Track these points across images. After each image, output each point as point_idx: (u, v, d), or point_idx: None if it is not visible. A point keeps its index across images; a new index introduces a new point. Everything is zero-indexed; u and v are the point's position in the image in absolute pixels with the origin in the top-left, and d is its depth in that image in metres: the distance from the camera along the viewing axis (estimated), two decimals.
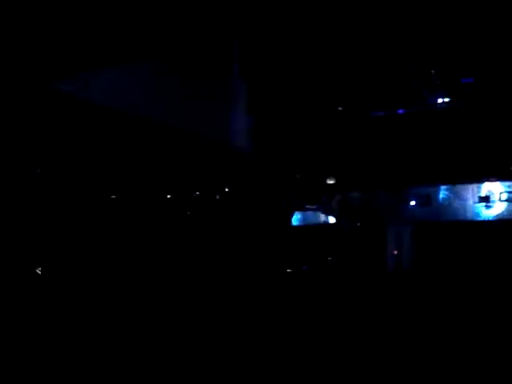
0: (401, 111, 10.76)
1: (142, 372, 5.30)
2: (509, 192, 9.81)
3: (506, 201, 9.78)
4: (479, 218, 10.02)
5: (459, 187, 10.33)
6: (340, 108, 11.23)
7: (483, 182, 10.10)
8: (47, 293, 6.22)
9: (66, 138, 8.16)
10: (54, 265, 7.12)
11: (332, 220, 10.36)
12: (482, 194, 10.01)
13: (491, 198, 9.92)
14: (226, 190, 10.90)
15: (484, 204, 9.98)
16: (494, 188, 10.00)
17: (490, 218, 9.94)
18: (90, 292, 6.89)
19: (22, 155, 7.59)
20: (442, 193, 10.29)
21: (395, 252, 10.04)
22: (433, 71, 10.38)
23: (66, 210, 7.94)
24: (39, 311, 5.95)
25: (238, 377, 5.50)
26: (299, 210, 10.80)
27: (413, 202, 10.06)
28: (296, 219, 10.85)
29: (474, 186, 10.28)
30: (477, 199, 10.02)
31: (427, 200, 10.24)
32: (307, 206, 10.68)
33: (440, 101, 10.42)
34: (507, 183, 9.83)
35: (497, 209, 9.86)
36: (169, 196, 10.25)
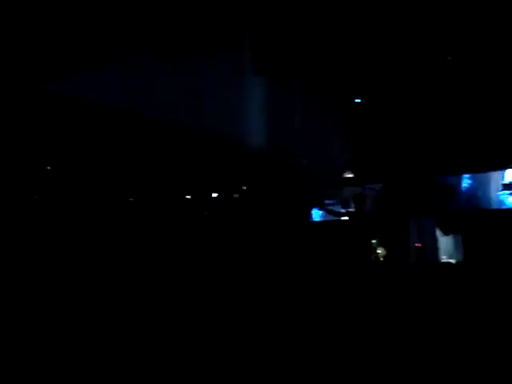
0: (419, 102, 10.51)
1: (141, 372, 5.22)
2: None
3: None
4: (503, 206, 9.74)
5: (482, 176, 10.06)
6: (357, 100, 11.03)
7: (506, 169, 9.83)
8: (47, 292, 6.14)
9: (72, 138, 8.11)
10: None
11: (351, 214, 10.16)
12: (506, 182, 9.74)
13: None
14: (244, 188, 10.80)
15: (508, 192, 9.70)
16: None
17: None
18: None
19: (18, 154, 7.57)
20: (465, 182, 10.03)
21: (418, 244, 9.81)
22: (449, 57, 10.14)
23: (72, 209, 7.90)
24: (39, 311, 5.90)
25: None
26: (318, 205, 10.64)
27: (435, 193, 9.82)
28: (316, 215, 10.70)
29: (498, 173, 10.01)
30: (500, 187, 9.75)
31: (450, 190, 9.99)
32: (326, 201, 10.51)
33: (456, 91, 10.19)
34: None
35: None
36: (187, 196, 10.19)
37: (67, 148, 8.09)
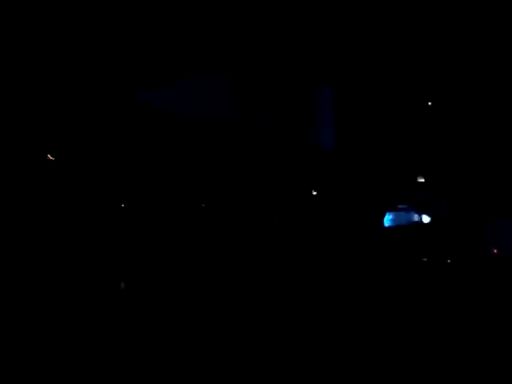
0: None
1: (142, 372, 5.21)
2: None
3: None
4: None
5: None
6: (430, 103, 10.79)
7: None
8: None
9: (147, 146, 8.26)
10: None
11: (426, 219, 9.92)
12: None
13: None
14: (314, 192, 10.74)
15: None
16: None
17: None
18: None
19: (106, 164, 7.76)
20: None
21: (495, 251, 9.49)
22: None
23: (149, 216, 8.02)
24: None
25: None
26: (390, 210, 10.45)
27: None
28: (388, 220, 10.51)
29: None
30: None
31: None
32: (399, 206, 10.31)
33: None
34: None
35: None
36: (255, 199, 10.19)
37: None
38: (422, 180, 10.28)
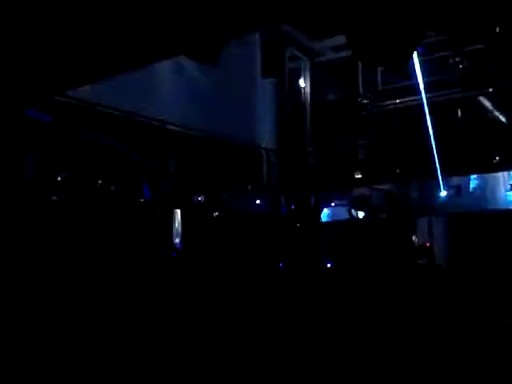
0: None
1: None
2: None
3: None
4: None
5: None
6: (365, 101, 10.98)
7: None
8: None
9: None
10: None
11: (361, 214, 10.25)
12: None
13: None
14: (249, 187, 10.78)
15: None
16: None
17: None
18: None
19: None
20: (473, 182, 10.12)
21: (427, 244, 9.91)
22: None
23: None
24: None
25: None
26: (327, 205, 10.69)
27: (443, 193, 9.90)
28: (325, 215, 10.74)
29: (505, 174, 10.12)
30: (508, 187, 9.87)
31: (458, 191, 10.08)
32: (335, 202, 10.58)
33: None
34: None
35: None
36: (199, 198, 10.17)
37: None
38: (359, 176, 10.56)
